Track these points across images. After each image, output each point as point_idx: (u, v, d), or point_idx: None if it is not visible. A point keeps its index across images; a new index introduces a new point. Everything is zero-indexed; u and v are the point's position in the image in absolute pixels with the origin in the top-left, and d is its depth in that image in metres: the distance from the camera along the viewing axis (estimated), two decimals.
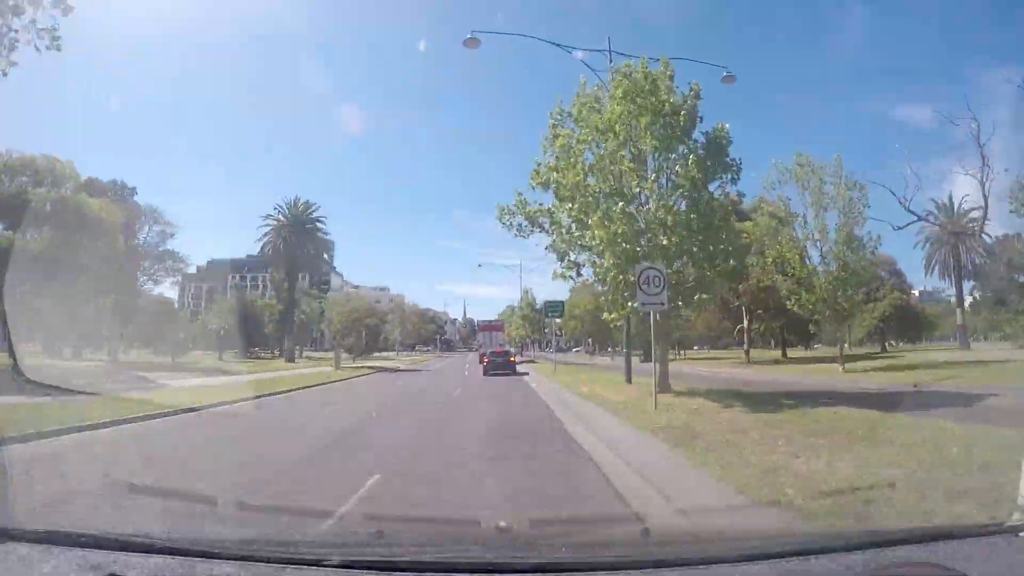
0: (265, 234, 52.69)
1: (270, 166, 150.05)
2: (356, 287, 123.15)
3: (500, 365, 30.75)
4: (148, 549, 1.95)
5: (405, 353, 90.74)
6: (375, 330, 71.29)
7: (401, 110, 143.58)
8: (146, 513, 3.98)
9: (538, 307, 63.99)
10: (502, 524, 2.69)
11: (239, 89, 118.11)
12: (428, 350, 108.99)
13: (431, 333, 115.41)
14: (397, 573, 1.87)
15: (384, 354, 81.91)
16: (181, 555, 1.91)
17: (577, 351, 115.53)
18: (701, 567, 1.84)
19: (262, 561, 1.86)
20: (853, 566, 1.83)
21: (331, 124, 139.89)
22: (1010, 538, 2.11)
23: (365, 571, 1.83)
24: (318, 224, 53.46)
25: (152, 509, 4.07)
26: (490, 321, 73.11)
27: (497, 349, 37.92)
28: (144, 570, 1.81)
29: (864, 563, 1.85)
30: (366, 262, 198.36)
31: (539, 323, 66.13)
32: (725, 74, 16.04)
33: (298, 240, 51.22)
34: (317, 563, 1.84)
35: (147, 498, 4.40)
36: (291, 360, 47.90)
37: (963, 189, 57.98)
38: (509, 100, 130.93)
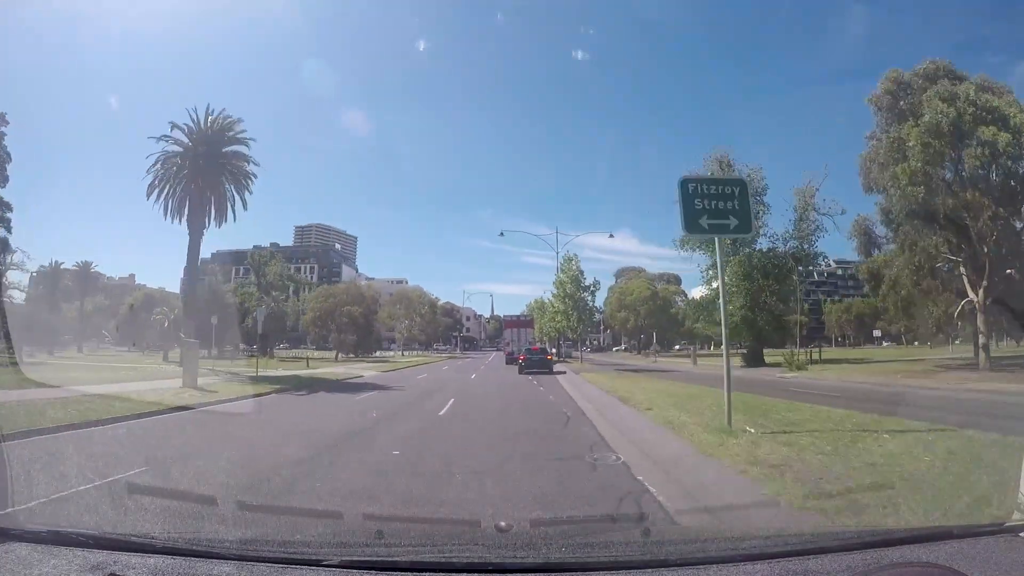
0: (155, 163, 27.52)
1: (289, 159, 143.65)
2: (371, 279, 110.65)
3: (536, 363, 31.46)
4: (148, 549, 1.94)
5: (418, 352, 76.22)
6: (362, 322, 56.27)
7: (419, 112, 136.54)
8: None
9: (587, 283, 46.57)
10: (502, 524, 2.62)
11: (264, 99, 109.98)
12: (446, 349, 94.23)
13: (448, 328, 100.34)
14: (397, 573, 1.88)
15: (391, 353, 68.29)
16: (181, 555, 1.90)
17: (618, 350, 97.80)
18: (701, 567, 1.81)
19: (262, 561, 1.85)
20: (853, 566, 1.79)
21: (353, 126, 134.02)
22: (1010, 538, 2.07)
23: (365, 571, 1.82)
24: (240, 150, 29.07)
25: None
26: (517, 317, 60.56)
27: (533, 347, 37.94)
28: (144, 570, 1.79)
29: (864, 563, 1.82)
30: (392, 263, 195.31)
31: (587, 306, 48.43)
32: None
33: (209, 173, 27.53)
34: (317, 563, 1.83)
35: None
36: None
37: None
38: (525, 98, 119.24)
